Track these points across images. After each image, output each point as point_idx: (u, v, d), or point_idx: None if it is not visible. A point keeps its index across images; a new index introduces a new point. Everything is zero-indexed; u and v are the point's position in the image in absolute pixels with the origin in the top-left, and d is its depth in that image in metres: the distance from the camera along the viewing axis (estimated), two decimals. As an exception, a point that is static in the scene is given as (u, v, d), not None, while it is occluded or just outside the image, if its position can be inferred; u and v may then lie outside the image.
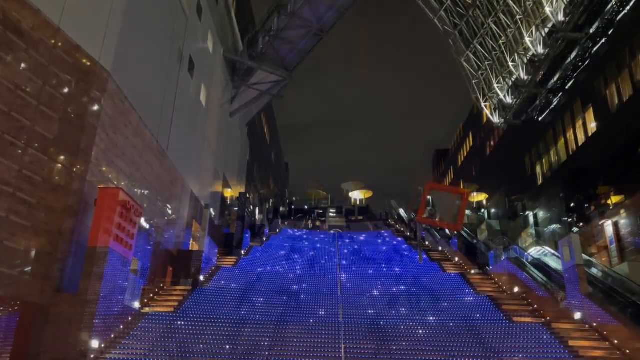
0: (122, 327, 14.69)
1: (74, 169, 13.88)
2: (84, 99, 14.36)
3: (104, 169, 15.16)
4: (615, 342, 14.90)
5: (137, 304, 16.31)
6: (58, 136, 13.41)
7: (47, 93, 13.17)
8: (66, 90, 13.88)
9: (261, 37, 31.68)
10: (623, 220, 24.39)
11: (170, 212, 21.46)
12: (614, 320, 15.31)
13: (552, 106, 34.53)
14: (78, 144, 14.00)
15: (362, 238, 42.17)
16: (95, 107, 14.66)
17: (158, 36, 19.93)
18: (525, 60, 35.27)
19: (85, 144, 14.20)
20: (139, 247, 17.40)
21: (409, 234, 45.20)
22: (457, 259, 30.08)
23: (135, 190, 17.48)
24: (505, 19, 35.81)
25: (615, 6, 26.93)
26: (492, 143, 48.99)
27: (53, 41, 13.50)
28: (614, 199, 26.36)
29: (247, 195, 38.18)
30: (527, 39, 33.69)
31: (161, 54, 20.32)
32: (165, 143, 20.58)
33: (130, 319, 15.31)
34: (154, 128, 19.10)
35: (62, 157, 13.57)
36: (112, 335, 14.04)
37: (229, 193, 34.05)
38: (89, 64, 14.60)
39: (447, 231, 35.44)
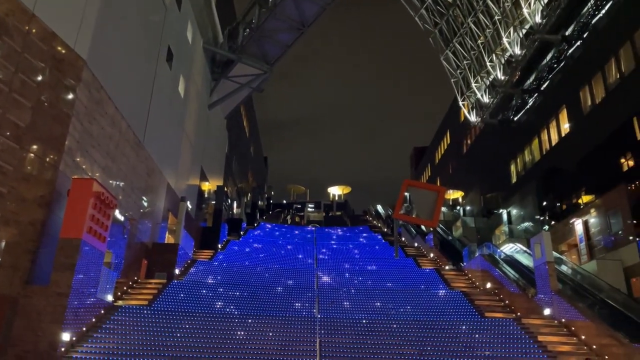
0: (94, 320, 14.48)
1: (47, 159, 13.59)
2: (58, 87, 14.05)
3: (78, 159, 14.87)
4: (583, 337, 15.35)
5: (110, 297, 16.09)
6: (30, 124, 13.10)
7: (20, 80, 12.85)
8: (40, 77, 13.56)
9: (242, 30, 31.42)
10: (593, 219, 25.08)
11: (145, 204, 21.19)
12: (582, 317, 15.76)
13: (527, 106, 35.21)
14: (51, 133, 13.71)
15: (339, 233, 42.39)
16: (70, 96, 14.37)
17: (136, 25, 19.59)
18: (503, 61, 35.88)
19: (59, 133, 13.90)
20: (113, 240, 17.16)
21: (386, 229, 45.62)
22: (432, 255, 30.50)
23: (110, 181, 17.21)
24: (485, 19, 36.32)
25: (590, 10, 27.58)
26: (468, 141, 49.69)
27: (27, 27, 13.16)
28: (585, 199, 27.09)
29: (225, 189, 37.91)
30: (505, 40, 34.25)
31: (139, 44, 19.99)
32: (142, 134, 20.29)
33: (102, 312, 15.10)
34: (130, 119, 18.80)
35: (34, 147, 13.27)
36: (84, 329, 13.83)
37: (206, 186, 33.77)
38: (64, 51, 14.28)
39: (424, 227, 35.87)
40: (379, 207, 56.44)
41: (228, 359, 13.39)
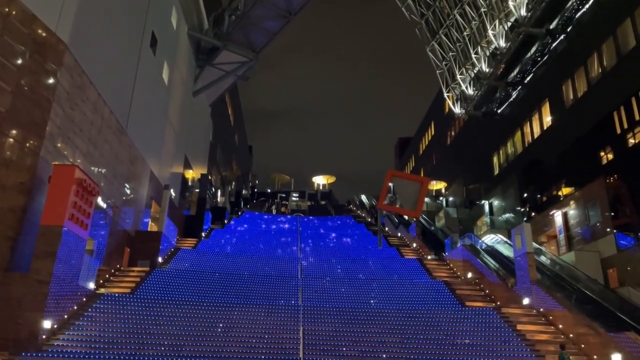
0: (75, 308, 14.36)
1: (27, 144, 13.34)
2: (39, 72, 13.76)
3: (59, 145, 14.63)
4: (560, 326, 15.72)
5: (92, 285, 15.97)
6: (10, 109, 12.84)
7: (-1, 63, 12.55)
8: (20, 61, 13.26)
9: (227, 16, 31.03)
10: (572, 211, 25.57)
11: (128, 191, 20.97)
12: (559, 307, 16.13)
13: (511, 99, 35.55)
14: (32, 118, 13.45)
15: (324, 223, 42.52)
16: (51, 81, 14.09)
17: (119, 9, 19.21)
18: (488, 53, 36.09)
19: (40, 119, 13.65)
20: (96, 227, 16.98)
21: (369, 219, 45.90)
22: (415, 244, 30.81)
23: (92, 168, 16.97)
24: (471, 11, 36.43)
25: (575, 4, 27.84)
26: (452, 133, 50.06)
27: (7, 9, 12.83)
28: (565, 191, 27.58)
29: (209, 177, 37.68)
30: (490, 32, 34.43)
31: (122, 29, 19.63)
32: (125, 121, 20.01)
33: (84, 299, 14.98)
34: (113, 105, 18.52)
35: (14, 132, 13.01)
36: (66, 316, 13.72)
37: (190, 174, 33.52)
38: (44, 35, 13.98)
39: (407, 217, 36.18)
40: (363, 197, 56.71)
41: (211, 347, 13.43)
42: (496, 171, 38.15)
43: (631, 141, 22.22)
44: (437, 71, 42.42)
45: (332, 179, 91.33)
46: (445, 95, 42.54)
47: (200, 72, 33.02)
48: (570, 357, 13.08)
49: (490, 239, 27.41)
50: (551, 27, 29.50)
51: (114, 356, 12.21)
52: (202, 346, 13.46)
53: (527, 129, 33.33)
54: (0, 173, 12.53)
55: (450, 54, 40.29)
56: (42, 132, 13.68)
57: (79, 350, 12.39)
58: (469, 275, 22.59)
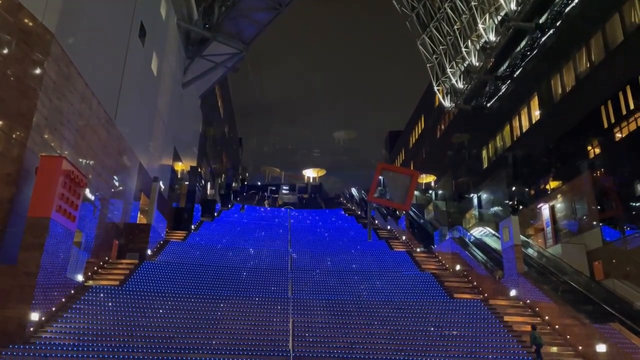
0: (64, 300, 14.28)
1: (13, 135, 13.18)
2: (25, 61, 13.57)
3: (47, 136, 14.46)
4: (547, 318, 15.96)
5: (80, 277, 15.87)
6: (-4, 99, 12.65)
7: (-16, 53, 12.35)
8: (5, 50, 13.06)
9: (217, 7, 30.78)
10: (559, 204, 25.86)
11: (117, 183, 20.81)
12: (546, 298, 16.35)
13: (500, 93, 35.75)
14: (18, 108, 13.27)
15: (314, 215, 42.57)
16: (38, 71, 13.90)
17: (107, -1, 18.96)
18: (478, 47, 36.19)
19: (26, 109, 13.47)
20: (84, 219, 16.85)
21: (359, 212, 46.02)
22: (404, 237, 30.99)
23: (80, 159, 16.81)
24: (461, 5, 36.47)
25: (564, -3, 27.97)
26: (442, 126, 50.24)
27: (-9, -3, 12.61)
28: (552, 184, 27.87)
29: (199, 169, 37.49)
30: (480, 26, 34.52)
31: (110, 19, 19.38)
32: (113, 112, 19.82)
33: (72, 292, 14.90)
34: (101, 96, 18.32)
35: (0, 122, 12.83)
36: (53, 309, 13.63)
37: (179, 166, 33.33)
38: (31, 24, 13.77)
39: (397, 211, 36.35)
40: (354, 190, 56.82)
41: (201, 338, 13.44)
42: (485, 165, 38.41)
43: (618, 135, 22.48)
44: (428, 65, 42.49)
45: (322, 172, 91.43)
46: (436, 89, 42.66)
47: (189, 64, 32.76)
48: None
49: (478, 232, 27.65)
50: (540, 21, 29.64)
51: (103, 348, 12.17)
52: (191, 337, 13.46)
53: (515, 123, 33.57)
54: (-14, 164, 12.36)
55: (441, 47, 40.37)
56: (29, 122, 13.51)
57: (67, 342, 12.33)
58: (458, 267, 22.79)
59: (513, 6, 30.63)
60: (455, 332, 14.94)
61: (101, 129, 18.64)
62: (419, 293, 18.79)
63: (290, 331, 14.22)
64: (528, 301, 17.29)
